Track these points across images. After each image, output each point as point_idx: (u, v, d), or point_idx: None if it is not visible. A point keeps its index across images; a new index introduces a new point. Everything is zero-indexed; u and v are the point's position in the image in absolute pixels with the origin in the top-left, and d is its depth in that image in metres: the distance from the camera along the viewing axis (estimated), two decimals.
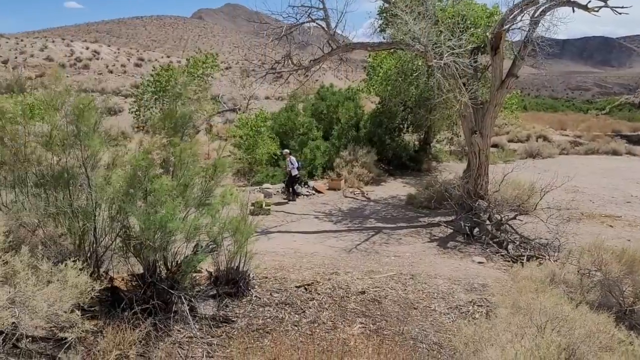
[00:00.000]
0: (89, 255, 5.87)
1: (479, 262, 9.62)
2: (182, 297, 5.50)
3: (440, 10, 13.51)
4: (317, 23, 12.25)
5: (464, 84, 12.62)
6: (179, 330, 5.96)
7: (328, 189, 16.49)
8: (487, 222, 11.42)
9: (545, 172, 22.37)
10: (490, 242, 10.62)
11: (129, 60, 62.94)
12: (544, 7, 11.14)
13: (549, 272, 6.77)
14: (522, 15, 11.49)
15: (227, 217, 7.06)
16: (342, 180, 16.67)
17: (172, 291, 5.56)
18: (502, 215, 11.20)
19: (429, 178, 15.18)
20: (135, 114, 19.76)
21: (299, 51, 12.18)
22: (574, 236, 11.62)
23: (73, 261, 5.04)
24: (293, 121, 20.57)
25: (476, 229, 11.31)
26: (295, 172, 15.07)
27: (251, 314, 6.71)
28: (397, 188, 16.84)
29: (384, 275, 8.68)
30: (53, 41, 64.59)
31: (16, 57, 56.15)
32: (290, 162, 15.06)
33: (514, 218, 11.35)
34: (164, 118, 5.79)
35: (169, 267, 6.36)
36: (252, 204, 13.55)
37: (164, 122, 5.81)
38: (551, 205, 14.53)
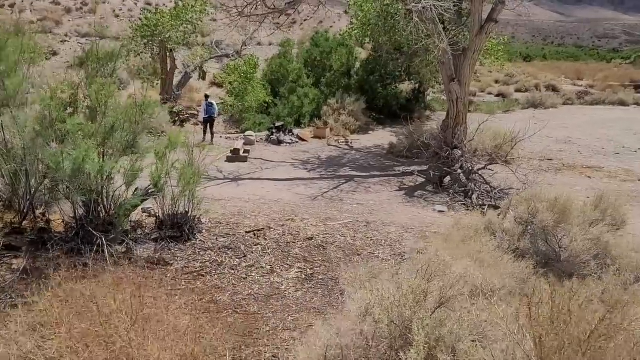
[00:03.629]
0: (21, 196, 5.99)
1: (440, 211, 9.62)
2: (103, 238, 5.59)
3: None
4: None
5: (445, 29, 12.22)
6: (109, 271, 6.12)
7: (313, 137, 16.41)
8: (459, 171, 11.32)
9: (543, 122, 22.05)
10: (458, 191, 10.57)
11: (136, 4, 61.98)
12: None
13: (486, 220, 6.75)
14: None
15: (169, 162, 7.10)
16: (328, 129, 16.54)
17: (95, 233, 5.66)
18: (472, 165, 11.07)
19: (414, 127, 14.97)
20: (126, 60, 19.58)
21: None
22: (547, 186, 11.54)
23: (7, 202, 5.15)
24: (286, 68, 20.27)
25: (447, 178, 11.25)
26: (203, 116, 16.09)
27: (190, 258, 6.82)
28: (383, 137, 16.68)
29: (339, 223, 8.74)
30: None
31: (22, 1, 55.59)
32: (204, 106, 16.00)
33: (484, 168, 11.22)
34: (85, 57, 5.69)
35: (106, 210, 6.47)
36: (231, 151, 13.62)
37: (86, 61, 5.72)
38: (534, 156, 14.40)
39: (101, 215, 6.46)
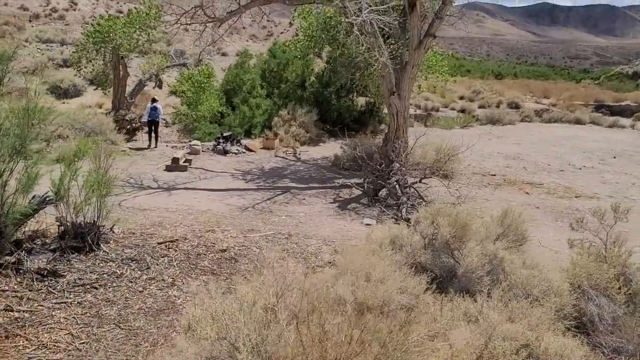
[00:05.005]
0: None
1: (367, 224, 9.51)
2: None
3: None
4: None
5: (388, 43, 12.25)
6: None
7: (262, 148, 16.24)
8: (396, 184, 11.26)
9: (498, 137, 22.35)
10: (390, 204, 10.50)
11: (107, 12, 61.22)
12: None
13: (393, 234, 6.64)
14: None
15: (73, 170, 6.85)
16: (277, 140, 16.40)
17: None
18: (404, 178, 11.03)
19: (362, 140, 14.92)
20: (77, 65, 19.21)
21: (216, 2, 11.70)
22: (482, 201, 11.58)
23: None
24: (241, 78, 20.14)
25: (382, 192, 11.17)
26: (146, 118, 16.31)
27: (88, 269, 6.53)
28: (333, 149, 16.59)
29: (260, 235, 8.57)
30: None
31: None
32: (148, 109, 16.25)
33: (420, 181, 11.19)
34: None
35: None
36: (171, 160, 13.35)
37: None
38: (479, 171, 14.48)
39: None
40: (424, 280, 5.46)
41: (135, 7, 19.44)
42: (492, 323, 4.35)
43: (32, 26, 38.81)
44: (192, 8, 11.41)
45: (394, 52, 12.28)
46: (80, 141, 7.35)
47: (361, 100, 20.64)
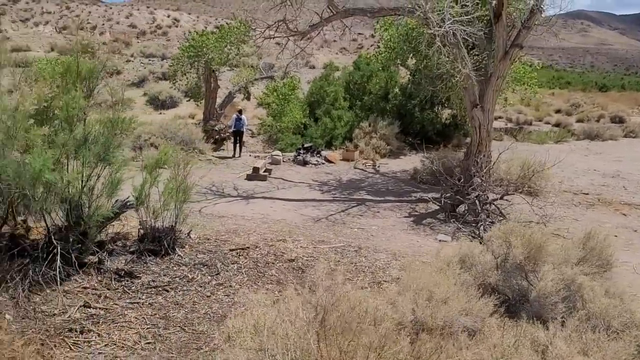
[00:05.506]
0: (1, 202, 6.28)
1: (441, 240, 9.20)
2: (61, 249, 5.74)
3: None
4: None
5: (470, 54, 11.86)
6: (76, 280, 6.27)
7: (342, 160, 16.30)
8: (476, 200, 10.81)
9: (596, 154, 20.78)
10: (468, 221, 10.09)
11: (205, 28, 64.89)
12: None
13: (463, 252, 6.36)
14: None
15: (154, 177, 7.24)
16: (357, 152, 16.40)
17: (56, 242, 5.83)
18: (485, 194, 10.54)
19: (444, 153, 14.50)
20: (172, 78, 20.48)
21: (297, 15, 11.99)
22: (570, 222, 10.79)
23: None
24: (325, 90, 20.42)
25: (461, 207, 10.77)
26: (233, 129, 16.97)
27: (162, 272, 6.85)
28: (413, 162, 16.29)
29: (330, 246, 8.56)
30: (138, 9, 68.09)
31: (103, 24, 59.99)
32: (234, 119, 16.82)
33: (501, 198, 10.65)
34: (64, 71, 5.94)
35: (71, 221, 6.58)
36: (253, 169, 13.76)
37: (63, 76, 5.96)
38: (567, 189, 13.54)
39: (81, 224, 6.66)
40: (490, 303, 5.18)
41: (227, 23, 20.39)
42: (560, 355, 4.01)
43: (138, 42, 42.01)
44: (276, 22, 11.74)
45: (478, 64, 11.85)
46: (161, 149, 7.73)
47: (446, 113, 20.15)
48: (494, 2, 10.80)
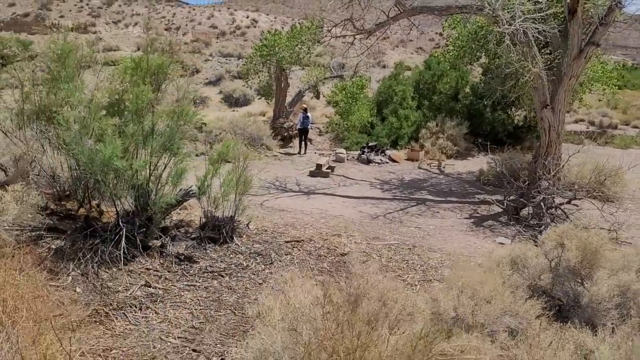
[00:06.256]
0: (76, 187, 6.91)
1: (500, 243, 8.97)
2: (128, 232, 6.22)
3: None
4: None
5: (541, 52, 11.43)
6: (139, 261, 6.76)
7: (406, 159, 16.20)
8: (541, 203, 10.43)
9: None
10: (531, 224, 9.76)
11: (282, 28, 66.39)
12: None
13: (515, 253, 6.21)
14: None
15: (216, 168, 7.63)
16: (422, 152, 16.23)
17: (122, 225, 6.32)
18: (551, 198, 10.14)
19: (510, 155, 14.01)
20: (246, 77, 21.19)
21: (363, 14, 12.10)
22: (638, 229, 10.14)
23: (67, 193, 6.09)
24: (393, 89, 20.34)
25: (525, 211, 10.43)
26: (299, 126, 17.38)
27: (219, 259, 7.22)
28: (480, 164, 15.88)
29: (384, 243, 8.62)
30: (219, 10, 70.86)
31: (187, 25, 62.98)
32: (301, 117, 17.11)
33: (568, 202, 10.20)
34: (134, 67, 6.41)
35: (139, 206, 7.07)
36: (316, 166, 14.02)
37: (134, 71, 6.43)
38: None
39: (147, 210, 7.16)
40: (538, 305, 5.05)
41: (298, 23, 20.81)
42: None
43: (217, 42, 43.72)
44: (342, 21, 11.90)
45: (549, 62, 11.39)
46: (223, 143, 8.13)
47: (519, 114, 19.43)
48: None
